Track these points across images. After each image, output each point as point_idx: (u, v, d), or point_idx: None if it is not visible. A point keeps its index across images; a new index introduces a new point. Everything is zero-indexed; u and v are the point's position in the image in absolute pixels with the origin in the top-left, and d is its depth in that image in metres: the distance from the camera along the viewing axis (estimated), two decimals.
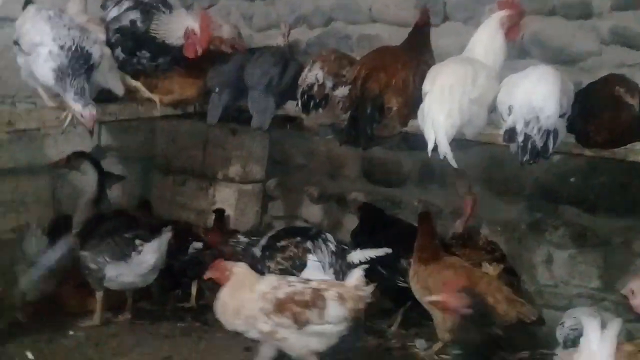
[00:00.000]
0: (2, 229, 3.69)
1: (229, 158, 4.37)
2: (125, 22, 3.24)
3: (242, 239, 3.57)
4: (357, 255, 3.35)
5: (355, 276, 2.95)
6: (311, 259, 3.32)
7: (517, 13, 2.93)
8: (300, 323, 2.78)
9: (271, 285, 2.87)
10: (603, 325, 2.17)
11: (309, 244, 3.37)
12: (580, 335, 2.47)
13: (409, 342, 3.56)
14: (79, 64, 2.70)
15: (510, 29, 2.93)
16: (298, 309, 2.78)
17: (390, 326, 3.68)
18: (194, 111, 3.72)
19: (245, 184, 4.38)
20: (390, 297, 3.66)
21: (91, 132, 2.85)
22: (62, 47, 2.69)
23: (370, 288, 2.93)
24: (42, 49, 2.71)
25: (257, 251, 3.44)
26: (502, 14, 2.92)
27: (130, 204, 4.37)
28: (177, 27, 3.23)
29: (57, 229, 3.76)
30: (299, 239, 3.41)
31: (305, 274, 3.28)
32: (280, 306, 2.78)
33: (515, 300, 2.95)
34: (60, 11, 2.88)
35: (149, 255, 3.35)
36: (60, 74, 2.68)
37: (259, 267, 3.35)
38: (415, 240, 3.24)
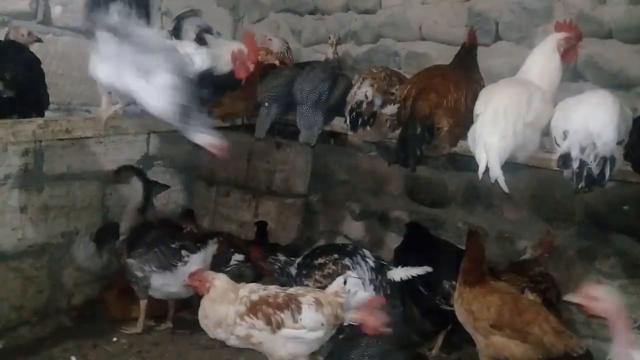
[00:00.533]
0: (52, 233, 3.77)
1: (272, 171, 4.40)
2: None
3: (281, 257, 3.56)
4: (398, 273, 3.32)
5: (337, 283, 3.00)
6: (350, 276, 3.30)
7: (574, 35, 2.86)
8: (273, 325, 2.81)
9: (249, 289, 2.93)
10: None
11: (347, 261, 3.35)
12: None
13: None
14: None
15: (567, 52, 2.85)
16: (270, 311, 2.82)
17: (431, 349, 3.62)
18: (242, 123, 3.76)
19: (287, 197, 4.39)
20: (431, 319, 3.60)
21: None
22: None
23: (350, 295, 2.97)
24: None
25: (292, 270, 3.42)
26: (559, 36, 2.85)
27: (174, 213, 4.43)
28: (222, 57, 3.24)
29: (104, 235, 3.84)
30: (336, 256, 3.39)
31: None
32: (253, 308, 2.82)
33: (563, 332, 2.84)
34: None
35: (195, 266, 3.38)
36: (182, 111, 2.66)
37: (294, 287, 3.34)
38: (462, 261, 3.17)
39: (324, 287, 3.27)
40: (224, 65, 3.24)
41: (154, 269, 3.45)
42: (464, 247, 3.25)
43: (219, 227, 4.47)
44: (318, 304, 2.88)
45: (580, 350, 2.83)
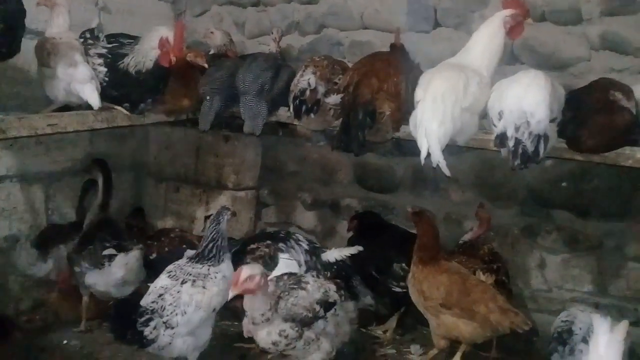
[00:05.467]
0: None
1: (222, 165, 4.36)
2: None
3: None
4: (332, 254, 3.36)
5: None
6: (282, 257, 3.32)
7: (521, 12, 2.90)
8: None
9: None
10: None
11: (280, 245, 3.38)
12: (572, 327, 2.60)
13: (404, 347, 3.56)
14: None
15: (513, 29, 2.91)
16: None
17: (385, 332, 3.68)
18: (187, 118, 3.72)
19: (238, 190, 4.37)
20: (384, 302, 3.65)
21: None
22: None
23: None
24: None
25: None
26: (506, 12, 2.90)
27: (124, 211, 4.35)
28: (147, 39, 3.16)
29: (46, 240, 3.73)
30: (269, 242, 3.42)
31: (278, 271, 3.23)
32: None
33: (509, 310, 2.92)
34: None
35: (116, 267, 3.34)
36: None
37: None
38: (416, 242, 3.19)
39: None
40: (151, 59, 3.15)
41: (87, 266, 3.40)
42: (413, 230, 3.32)
43: (170, 223, 4.42)
44: None
45: (526, 327, 2.91)
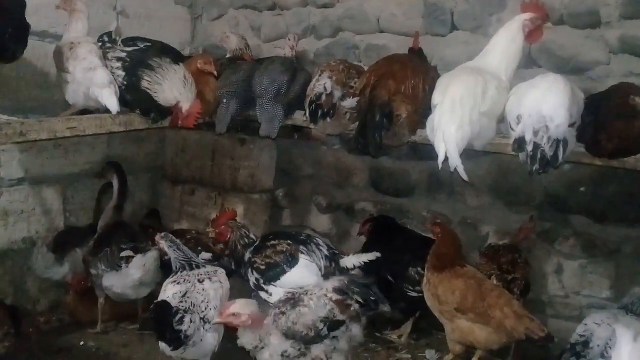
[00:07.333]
0: (13, 239, 3.71)
1: (237, 168, 4.38)
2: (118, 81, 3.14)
3: (252, 235, 3.46)
4: (351, 260, 3.32)
5: None
6: (303, 257, 3.26)
7: (540, 16, 2.87)
8: None
9: None
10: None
11: (301, 248, 3.32)
12: (589, 342, 2.55)
13: (419, 352, 3.55)
14: None
15: (532, 33, 2.89)
16: None
17: (400, 336, 3.67)
18: (203, 121, 3.74)
19: (253, 193, 4.39)
20: (400, 307, 3.64)
21: None
22: None
23: None
24: None
25: (247, 255, 3.35)
26: (525, 16, 2.87)
27: (140, 213, 4.39)
28: (168, 89, 3.16)
29: (63, 243, 3.77)
30: (290, 242, 3.36)
31: (297, 271, 3.22)
32: None
33: (525, 316, 2.89)
34: None
35: (134, 269, 3.37)
36: None
37: (242, 272, 3.34)
38: (432, 247, 3.19)
39: (273, 264, 3.23)
40: (163, 100, 3.16)
41: (104, 268, 3.42)
42: (427, 234, 3.31)
43: (186, 225, 4.44)
44: None
45: (542, 333, 2.87)
